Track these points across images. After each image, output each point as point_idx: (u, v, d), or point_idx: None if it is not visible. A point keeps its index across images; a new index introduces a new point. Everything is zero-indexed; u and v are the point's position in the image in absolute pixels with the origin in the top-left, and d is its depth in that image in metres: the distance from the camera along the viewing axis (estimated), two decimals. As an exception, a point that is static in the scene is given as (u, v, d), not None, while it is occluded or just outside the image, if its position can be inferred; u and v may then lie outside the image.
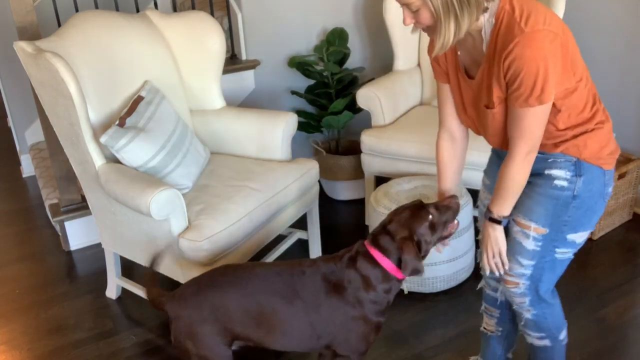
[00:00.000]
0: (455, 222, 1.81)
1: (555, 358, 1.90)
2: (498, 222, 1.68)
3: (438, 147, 1.84)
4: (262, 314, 1.77)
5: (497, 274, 1.76)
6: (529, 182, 1.65)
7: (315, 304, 1.76)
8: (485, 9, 1.46)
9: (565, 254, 1.71)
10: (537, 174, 1.64)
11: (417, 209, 1.76)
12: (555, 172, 1.62)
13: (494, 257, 1.73)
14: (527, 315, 1.81)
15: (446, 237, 1.81)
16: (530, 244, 1.68)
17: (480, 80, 1.57)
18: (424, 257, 1.78)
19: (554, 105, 1.52)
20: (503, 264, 1.74)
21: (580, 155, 1.59)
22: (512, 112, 1.52)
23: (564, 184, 1.61)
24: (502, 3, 1.47)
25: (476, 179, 2.81)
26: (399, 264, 1.73)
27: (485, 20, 1.49)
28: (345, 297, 1.75)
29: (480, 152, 2.74)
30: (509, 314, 2.00)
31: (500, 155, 1.76)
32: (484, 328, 2.08)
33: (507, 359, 2.11)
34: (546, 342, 1.86)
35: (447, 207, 1.77)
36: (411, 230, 1.72)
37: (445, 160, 1.84)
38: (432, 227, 1.74)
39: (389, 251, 1.73)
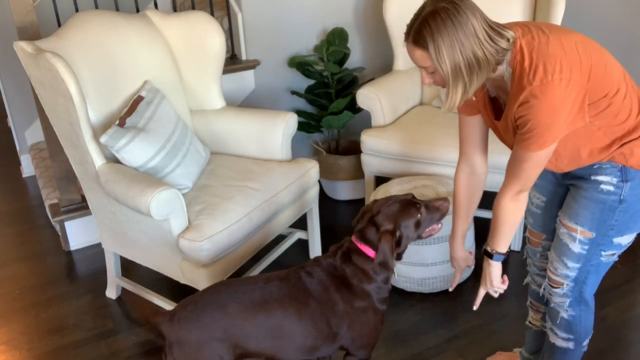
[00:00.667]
0: (439, 225, 1.82)
1: None
2: (490, 255, 1.72)
3: (457, 180, 1.83)
4: (279, 323, 1.74)
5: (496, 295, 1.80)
6: (574, 186, 1.66)
7: (331, 301, 1.76)
8: (500, 61, 1.48)
9: (611, 257, 1.70)
10: (582, 178, 1.64)
11: (407, 203, 1.77)
12: (601, 177, 1.61)
13: (491, 286, 1.78)
14: (564, 314, 1.80)
15: (425, 237, 1.84)
16: (576, 247, 1.68)
17: (505, 123, 1.60)
18: (400, 253, 1.80)
19: (591, 123, 1.52)
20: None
21: (627, 163, 1.58)
22: (515, 152, 1.55)
23: (611, 188, 1.60)
24: (514, 52, 1.48)
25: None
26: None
27: (504, 70, 1.51)
28: (354, 290, 1.77)
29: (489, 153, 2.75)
30: None
31: None
32: (529, 322, 2.10)
33: None
34: (570, 345, 1.86)
35: (437, 208, 1.79)
36: (396, 224, 1.73)
37: (464, 196, 1.84)
38: (417, 225, 1.76)
39: (373, 242, 1.76)
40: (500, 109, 1.66)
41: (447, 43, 1.40)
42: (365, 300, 1.78)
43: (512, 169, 1.57)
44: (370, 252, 1.76)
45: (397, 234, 1.73)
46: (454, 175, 1.86)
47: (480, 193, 1.87)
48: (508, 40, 1.46)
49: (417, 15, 1.44)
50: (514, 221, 1.64)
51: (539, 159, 1.52)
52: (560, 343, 1.87)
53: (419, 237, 1.82)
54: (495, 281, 1.75)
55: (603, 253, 1.69)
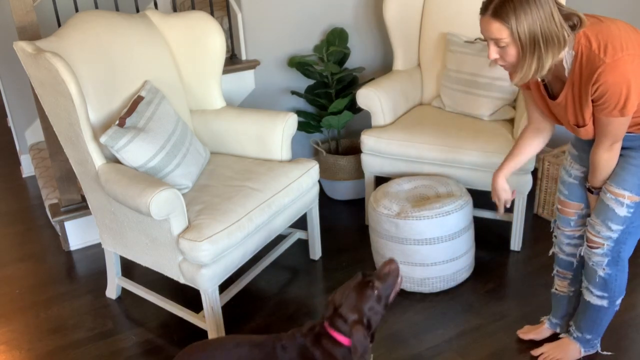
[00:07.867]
0: (399, 280, 1.88)
1: (604, 320, 2.10)
2: (591, 191, 1.96)
3: (524, 131, 2.04)
4: None
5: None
6: (622, 155, 1.84)
7: None
8: (565, 44, 1.64)
9: None
10: (631, 149, 1.85)
11: (361, 287, 1.82)
12: None
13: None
14: (601, 273, 1.98)
15: (393, 299, 1.89)
16: (622, 211, 1.86)
17: (564, 103, 1.79)
18: (374, 332, 1.85)
19: None
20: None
21: None
22: (598, 118, 1.74)
23: None
24: (578, 37, 1.66)
25: (475, 179, 2.82)
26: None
27: (565, 53, 1.68)
28: None
29: (480, 152, 2.75)
30: (581, 275, 2.15)
31: None
32: (556, 289, 2.27)
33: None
34: (604, 303, 2.05)
35: (387, 274, 1.85)
36: (360, 312, 1.79)
37: (525, 139, 2.04)
38: (379, 299, 1.82)
39: (346, 332, 1.80)
40: (548, 90, 1.83)
41: (529, 17, 1.57)
42: None
43: (600, 130, 1.76)
44: (340, 338, 1.80)
45: (365, 320, 1.79)
46: (521, 131, 2.05)
47: (540, 145, 2.04)
48: (574, 24, 1.63)
49: None
50: (610, 166, 1.85)
51: (620, 121, 1.71)
52: (595, 301, 2.05)
53: (387, 306, 1.87)
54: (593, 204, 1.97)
55: None
